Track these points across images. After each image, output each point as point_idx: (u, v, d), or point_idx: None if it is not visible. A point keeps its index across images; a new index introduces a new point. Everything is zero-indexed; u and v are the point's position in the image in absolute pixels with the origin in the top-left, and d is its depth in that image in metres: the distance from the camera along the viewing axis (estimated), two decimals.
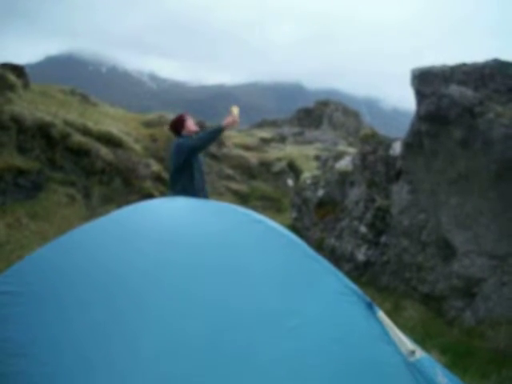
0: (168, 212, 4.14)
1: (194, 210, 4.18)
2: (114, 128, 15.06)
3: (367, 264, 9.16)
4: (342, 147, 19.03)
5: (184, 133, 7.48)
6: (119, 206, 10.68)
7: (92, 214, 11.45)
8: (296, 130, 28.99)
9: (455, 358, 6.59)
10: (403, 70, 8.97)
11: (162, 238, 3.62)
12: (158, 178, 14.74)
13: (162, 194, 13.52)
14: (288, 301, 3.15)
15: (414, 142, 8.57)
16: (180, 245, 3.53)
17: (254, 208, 15.25)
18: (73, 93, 19.27)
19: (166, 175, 14.99)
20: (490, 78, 8.19)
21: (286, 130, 28.77)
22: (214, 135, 7.14)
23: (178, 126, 7.59)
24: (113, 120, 16.65)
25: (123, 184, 13.53)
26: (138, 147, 15.23)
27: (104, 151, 13.63)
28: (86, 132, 13.80)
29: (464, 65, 8.57)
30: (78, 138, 13.22)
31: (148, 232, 3.72)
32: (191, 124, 7.48)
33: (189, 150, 7.06)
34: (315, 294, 3.23)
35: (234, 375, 2.75)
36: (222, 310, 3.04)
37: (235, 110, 7.06)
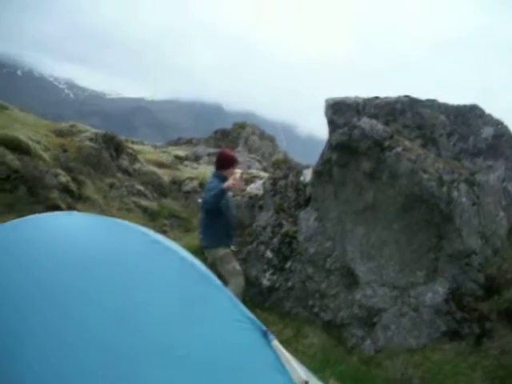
0: (63, 227, 3.95)
1: (90, 226, 4.00)
2: (22, 134, 14.52)
3: (271, 289, 9.13)
4: (255, 171, 19.04)
5: (222, 172, 7.73)
6: (21, 215, 10.27)
7: None
8: (211, 149, 28.93)
9: None
10: (321, 100, 9.10)
11: (52, 253, 3.45)
12: (65, 189, 14.22)
13: (69, 206, 13.10)
14: (180, 329, 3.05)
15: (323, 171, 8.67)
16: (68, 263, 3.36)
17: (162, 226, 15.05)
18: None
19: (74, 187, 14.57)
20: (401, 113, 8.41)
21: (201, 150, 28.64)
22: (219, 197, 7.39)
23: (226, 163, 7.83)
24: (22, 125, 16.06)
25: (28, 193, 12.99)
26: (46, 156, 14.72)
27: (9, 157, 13.09)
28: None
29: (376, 98, 8.77)
30: None
31: (38, 246, 3.54)
32: (232, 175, 7.53)
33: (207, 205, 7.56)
34: (209, 321, 3.15)
35: None
36: (103, 341, 2.88)
37: (237, 173, 7.47)
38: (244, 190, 9.13)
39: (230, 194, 8.31)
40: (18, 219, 4.14)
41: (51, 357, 2.80)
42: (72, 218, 4.31)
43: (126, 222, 4.21)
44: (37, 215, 4.27)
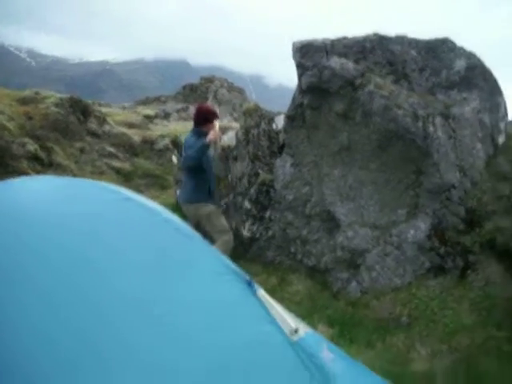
0: (32, 190, 3.75)
1: (60, 188, 3.81)
2: None
3: (252, 240, 9.06)
4: (226, 122, 18.82)
5: (202, 128, 7.55)
6: None
7: None
8: (180, 106, 28.58)
9: (342, 329, 6.69)
10: (288, 47, 8.89)
11: (22, 217, 3.27)
12: (34, 158, 13.96)
13: (40, 174, 12.84)
14: (159, 284, 2.89)
15: (296, 116, 8.51)
16: (40, 225, 3.19)
17: (138, 186, 14.85)
18: None
19: (42, 154, 14.28)
20: (371, 52, 8.24)
21: (170, 107, 28.27)
22: (202, 152, 7.30)
23: (205, 118, 7.60)
24: None
25: None
26: (11, 125, 14.38)
27: None
28: None
29: (345, 38, 8.56)
30: None
31: (7, 210, 3.37)
32: (212, 129, 7.35)
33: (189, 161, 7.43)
34: (190, 275, 3.00)
35: (97, 372, 2.48)
36: (81, 299, 2.71)
37: (216, 125, 7.30)
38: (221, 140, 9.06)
39: (211, 152, 8.18)
40: None
41: (30, 305, 2.68)
42: (41, 181, 4.14)
43: (96, 182, 4.04)
44: (5, 181, 4.07)
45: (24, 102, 16.82)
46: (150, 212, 3.44)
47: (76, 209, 3.38)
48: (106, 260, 2.97)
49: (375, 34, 8.42)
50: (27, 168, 13.23)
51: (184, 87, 34.97)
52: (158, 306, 2.75)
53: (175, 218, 3.57)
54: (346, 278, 7.78)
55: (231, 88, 34.88)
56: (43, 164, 14.08)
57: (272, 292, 6.89)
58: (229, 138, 10.38)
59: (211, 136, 7.16)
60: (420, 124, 7.07)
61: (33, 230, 3.16)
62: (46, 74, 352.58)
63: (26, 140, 14.23)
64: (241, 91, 36.32)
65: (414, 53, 8.22)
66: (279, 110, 10.88)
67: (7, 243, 3.07)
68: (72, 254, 2.98)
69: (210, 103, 29.68)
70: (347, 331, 6.61)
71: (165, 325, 2.68)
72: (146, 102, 32.43)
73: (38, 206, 3.45)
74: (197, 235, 3.38)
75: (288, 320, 2.96)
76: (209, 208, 7.76)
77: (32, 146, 14.14)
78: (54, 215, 3.30)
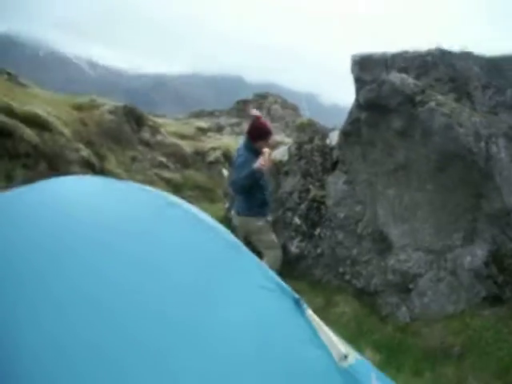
0: (74, 191, 3.64)
1: (107, 189, 3.69)
2: (41, 110, 14.29)
3: (300, 257, 8.83)
4: (278, 138, 18.70)
5: (254, 145, 7.31)
6: None
7: None
8: (234, 120, 28.67)
9: (389, 355, 6.43)
10: (345, 66, 8.70)
11: (68, 218, 3.14)
12: (86, 164, 14.06)
13: None
14: (204, 298, 2.69)
15: (351, 131, 8.29)
16: (75, 228, 3.03)
17: (187, 198, 14.79)
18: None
19: (95, 160, 14.37)
20: (433, 67, 7.99)
21: (224, 121, 28.41)
22: (249, 179, 7.06)
23: (259, 135, 7.33)
24: (41, 102, 15.83)
25: (49, 168, 12.83)
26: (66, 131, 14.51)
27: (29, 133, 12.89)
28: (9, 112, 13.00)
29: (406, 52, 8.35)
30: (0, 118, 12.45)
31: (54, 210, 3.25)
32: (265, 145, 7.18)
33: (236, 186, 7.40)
34: (235, 289, 2.79)
35: None
36: (127, 310, 2.53)
37: (266, 153, 6.96)
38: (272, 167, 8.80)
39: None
40: (27, 186, 3.84)
41: (55, 329, 2.49)
42: (83, 181, 4.03)
43: (142, 185, 3.89)
44: (46, 180, 3.98)
45: (80, 108, 17.02)
46: (196, 219, 3.28)
47: (122, 211, 3.26)
48: (146, 272, 2.79)
49: (437, 49, 8.17)
50: (79, 173, 13.27)
51: (238, 102, 35.09)
52: (203, 325, 2.55)
53: (224, 230, 3.39)
54: (396, 303, 7.50)
55: (285, 105, 34.86)
56: (95, 171, 14.16)
57: (318, 312, 6.65)
58: (280, 153, 10.20)
59: (259, 164, 6.90)
60: (482, 144, 6.77)
61: (76, 228, 3.03)
62: (104, 84, 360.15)
63: (80, 146, 14.34)
64: (294, 108, 36.27)
65: (477, 69, 7.95)
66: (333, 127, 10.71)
67: (22, 250, 2.94)
68: (115, 256, 2.83)
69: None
70: (394, 358, 6.37)
71: (210, 345, 2.48)
72: (199, 114, 32.63)
73: (74, 209, 3.32)
74: (245, 248, 3.19)
75: (337, 344, 2.72)
76: (259, 223, 7.55)
77: (85, 152, 14.26)
78: (98, 215, 3.18)
